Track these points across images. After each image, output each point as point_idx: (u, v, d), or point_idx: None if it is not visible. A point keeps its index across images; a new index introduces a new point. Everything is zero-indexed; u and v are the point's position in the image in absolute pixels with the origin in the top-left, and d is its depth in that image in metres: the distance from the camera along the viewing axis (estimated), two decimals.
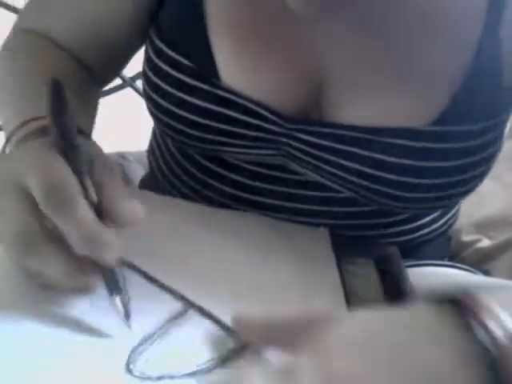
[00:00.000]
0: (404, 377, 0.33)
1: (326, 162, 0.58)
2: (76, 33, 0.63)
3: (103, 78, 0.68)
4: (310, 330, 0.38)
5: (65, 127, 0.44)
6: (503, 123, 0.60)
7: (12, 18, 0.65)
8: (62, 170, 0.42)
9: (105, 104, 0.99)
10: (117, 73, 0.71)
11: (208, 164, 0.65)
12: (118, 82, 1.02)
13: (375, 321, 0.37)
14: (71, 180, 0.42)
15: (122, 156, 0.87)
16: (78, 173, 0.43)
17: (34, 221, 0.41)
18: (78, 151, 0.44)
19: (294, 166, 0.61)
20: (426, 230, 0.69)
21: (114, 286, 0.44)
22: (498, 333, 0.33)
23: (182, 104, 0.59)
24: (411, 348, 0.34)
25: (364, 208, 0.63)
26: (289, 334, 0.40)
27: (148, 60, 0.61)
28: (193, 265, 0.52)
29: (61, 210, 0.41)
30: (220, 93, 0.58)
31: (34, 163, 0.42)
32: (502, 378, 0.32)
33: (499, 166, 0.63)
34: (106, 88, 0.99)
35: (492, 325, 0.33)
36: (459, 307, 0.35)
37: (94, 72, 0.65)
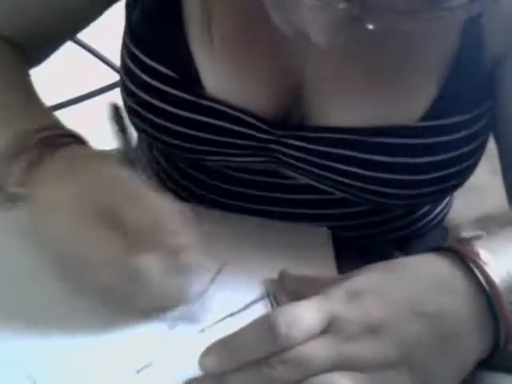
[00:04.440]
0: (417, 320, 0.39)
1: (318, 166, 0.57)
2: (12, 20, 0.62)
3: (38, 59, 0.66)
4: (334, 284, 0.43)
5: (132, 156, 0.50)
6: (492, 108, 0.59)
7: None
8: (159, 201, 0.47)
9: (105, 99, 0.99)
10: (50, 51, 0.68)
11: (196, 173, 0.65)
12: (117, 78, 1.01)
13: (389, 274, 0.42)
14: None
15: None
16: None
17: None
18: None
19: (285, 172, 0.60)
20: (420, 224, 0.69)
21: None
22: (491, 274, 0.40)
23: (165, 115, 0.57)
24: (425, 298, 0.40)
25: (359, 208, 0.64)
26: (317, 287, 0.45)
27: (125, 68, 0.60)
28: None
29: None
30: (205, 103, 0.57)
31: (123, 194, 0.46)
32: (498, 314, 0.39)
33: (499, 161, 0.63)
34: (107, 83, 1.00)
35: (486, 268, 0.40)
36: (458, 255, 0.41)
37: (27, 54, 0.63)
